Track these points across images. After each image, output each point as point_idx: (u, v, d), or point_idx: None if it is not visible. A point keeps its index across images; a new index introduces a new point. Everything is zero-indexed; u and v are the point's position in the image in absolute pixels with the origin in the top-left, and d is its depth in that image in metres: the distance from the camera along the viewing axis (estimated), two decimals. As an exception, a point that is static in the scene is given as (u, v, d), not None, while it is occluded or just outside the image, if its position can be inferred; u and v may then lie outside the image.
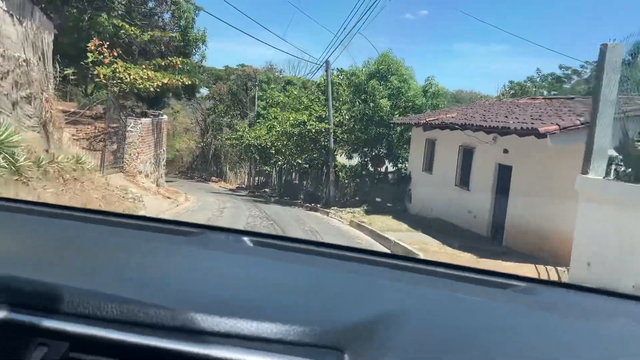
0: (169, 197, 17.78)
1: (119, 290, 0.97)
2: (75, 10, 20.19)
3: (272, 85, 40.94)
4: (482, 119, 11.86)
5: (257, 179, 41.66)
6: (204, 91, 52.95)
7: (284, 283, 1.23)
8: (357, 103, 20.40)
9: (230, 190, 38.50)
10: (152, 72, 18.64)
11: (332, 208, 18.80)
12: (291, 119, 21.93)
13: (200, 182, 47.98)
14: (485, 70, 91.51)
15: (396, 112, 19.97)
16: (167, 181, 36.10)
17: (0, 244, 1.28)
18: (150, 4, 25.02)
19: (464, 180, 13.50)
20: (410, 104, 19.79)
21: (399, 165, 21.24)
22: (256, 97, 39.78)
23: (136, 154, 17.56)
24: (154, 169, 20.33)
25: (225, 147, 46.23)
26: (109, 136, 18.35)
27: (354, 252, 1.54)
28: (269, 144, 28.80)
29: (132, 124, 17.40)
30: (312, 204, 22.11)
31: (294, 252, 1.54)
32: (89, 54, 17.68)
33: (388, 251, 10.22)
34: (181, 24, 23.82)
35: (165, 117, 23.01)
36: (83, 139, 18.71)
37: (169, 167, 56.21)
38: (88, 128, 18.50)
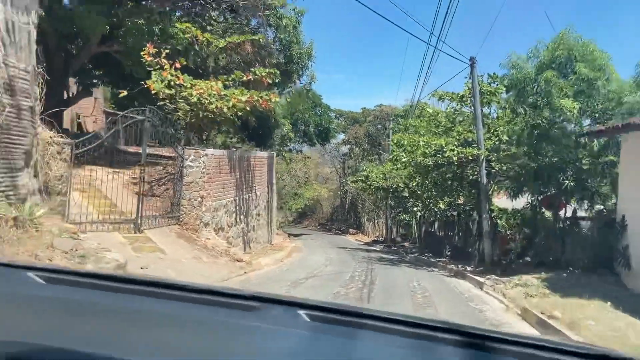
0: (239, 261, 12.29)
1: None
2: (142, 21, 16.07)
3: (410, 120, 34.85)
4: None
5: (395, 230, 35.07)
6: (340, 136, 49.75)
7: None
8: (522, 111, 13.14)
9: (365, 244, 32.89)
10: (223, 88, 13.75)
11: (488, 277, 11.68)
12: (421, 144, 15.34)
13: (338, 234, 43.31)
14: None
15: (586, 122, 12.48)
16: (296, 235, 31.63)
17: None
18: (253, 23, 20.64)
19: None
20: (612, 104, 12.11)
21: (596, 205, 13.37)
22: (390, 133, 33.89)
23: (199, 199, 12.49)
24: (236, 221, 15.13)
25: (362, 194, 41.20)
26: (172, 177, 13.72)
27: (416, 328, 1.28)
28: (402, 185, 22.46)
29: (190, 157, 12.43)
30: (459, 266, 15.21)
31: (359, 328, 1.27)
32: (150, 69, 13.46)
33: None
34: (281, 37, 19.03)
35: (259, 152, 17.99)
36: (146, 182, 14.41)
37: (309, 218, 52.76)
38: (154, 169, 14.16)
